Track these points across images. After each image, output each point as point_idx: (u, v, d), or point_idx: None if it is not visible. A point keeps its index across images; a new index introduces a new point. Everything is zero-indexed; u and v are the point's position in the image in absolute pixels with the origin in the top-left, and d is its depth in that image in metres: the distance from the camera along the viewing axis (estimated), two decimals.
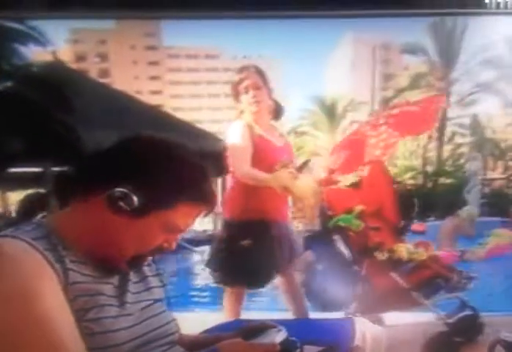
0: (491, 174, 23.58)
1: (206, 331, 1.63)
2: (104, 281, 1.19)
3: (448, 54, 29.28)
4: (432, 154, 29.39)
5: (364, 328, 1.50)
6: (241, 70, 3.12)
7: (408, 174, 28.59)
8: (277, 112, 3.20)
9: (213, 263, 3.11)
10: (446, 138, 29.20)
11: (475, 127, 29.75)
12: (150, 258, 1.36)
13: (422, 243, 3.24)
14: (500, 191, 17.69)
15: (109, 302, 1.16)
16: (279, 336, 1.31)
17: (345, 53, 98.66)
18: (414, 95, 29.67)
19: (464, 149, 29.62)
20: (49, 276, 1.03)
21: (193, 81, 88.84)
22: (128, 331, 1.17)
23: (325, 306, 3.23)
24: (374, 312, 3.23)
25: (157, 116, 11.30)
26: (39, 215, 1.26)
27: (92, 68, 65.29)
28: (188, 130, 10.89)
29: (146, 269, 1.37)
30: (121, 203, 1.10)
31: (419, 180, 28.08)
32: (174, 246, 1.25)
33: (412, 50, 30.78)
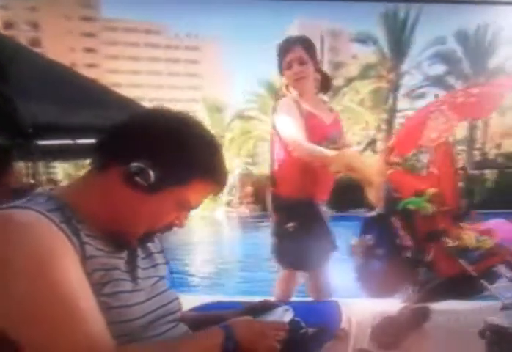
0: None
1: (190, 310, 1.68)
2: (117, 256, 1.20)
3: (399, 46, 29.67)
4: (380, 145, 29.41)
5: (349, 313, 1.53)
6: (285, 42, 2.96)
7: None
8: (324, 85, 3.07)
9: (271, 245, 3.04)
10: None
11: None
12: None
13: (487, 230, 3.06)
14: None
15: (123, 277, 1.18)
16: (287, 316, 1.35)
17: None
18: (364, 85, 30.53)
19: None
20: (68, 248, 1.04)
21: (131, 57, 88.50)
22: (140, 307, 1.19)
23: (379, 293, 3.13)
24: (432, 301, 3.15)
25: (97, 92, 11.05)
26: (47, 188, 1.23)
27: (22, 36, 62.20)
28: (131, 107, 10.74)
29: (151, 245, 1.39)
30: (137, 178, 1.12)
31: None
32: (184, 223, 1.28)
33: (363, 39, 30.99)
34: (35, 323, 0.96)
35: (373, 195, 2.68)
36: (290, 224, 2.85)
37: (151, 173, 1.12)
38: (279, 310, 1.38)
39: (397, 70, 29.76)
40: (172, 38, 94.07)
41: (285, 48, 2.92)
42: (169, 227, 1.27)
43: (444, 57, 29.97)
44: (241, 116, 33.90)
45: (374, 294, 3.14)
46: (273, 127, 2.95)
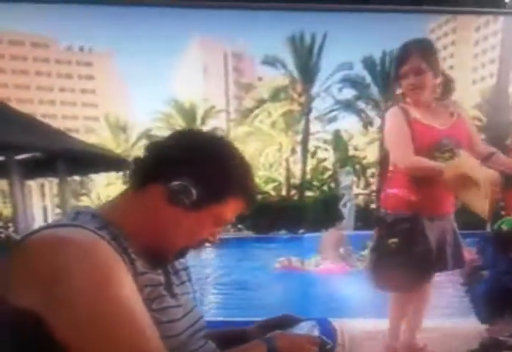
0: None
1: None
2: (158, 272, 1.29)
3: (307, 70, 29.99)
4: (295, 167, 30.22)
5: (341, 329, 1.67)
6: (402, 51, 2.83)
7: (270, 186, 29.19)
8: (446, 89, 2.90)
9: (368, 263, 2.98)
10: (309, 153, 30.13)
11: (337, 143, 31.08)
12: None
13: None
14: (365, 206, 18.97)
15: (165, 293, 1.26)
16: (315, 331, 1.44)
17: (196, 57, 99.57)
18: (276, 108, 30.77)
19: (327, 164, 30.80)
20: (122, 265, 1.09)
21: (20, 71, 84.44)
22: (181, 322, 1.28)
23: (490, 317, 2.92)
24: None
25: None
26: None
27: None
28: (26, 122, 10.16)
29: (176, 262, 1.44)
30: (181, 196, 1.20)
31: (283, 192, 28.66)
32: (217, 239, 1.36)
33: (271, 62, 30.94)
34: (97, 339, 0.99)
35: (486, 208, 2.40)
36: (392, 240, 2.77)
37: (193, 191, 1.20)
38: (306, 325, 1.47)
39: (308, 94, 30.15)
40: (62, 52, 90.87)
41: (402, 57, 2.80)
42: (203, 243, 1.35)
43: (353, 82, 30.66)
44: (149, 136, 33.46)
45: (484, 318, 2.98)
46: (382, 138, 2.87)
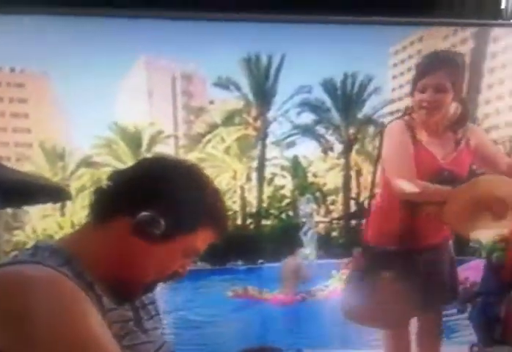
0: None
1: None
2: (126, 308, 1.33)
3: (263, 93, 30.00)
4: (250, 195, 29.93)
5: None
6: (427, 62, 2.74)
7: None
8: (460, 120, 2.78)
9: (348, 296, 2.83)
10: (266, 180, 29.95)
11: (296, 169, 30.97)
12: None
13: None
14: (326, 234, 19.11)
15: (136, 328, 1.30)
16: None
17: (140, 79, 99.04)
18: (229, 133, 30.81)
19: (285, 192, 30.45)
20: (88, 302, 1.11)
21: None
22: None
23: (493, 343, 2.80)
24: None
25: None
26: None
27: None
28: None
29: (143, 297, 1.47)
30: (149, 228, 1.22)
31: (239, 221, 28.21)
32: (186, 271, 1.41)
33: (224, 84, 31.00)
34: None
35: (505, 227, 2.44)
36: (385, 273, 2.70)
37: (162, 222, 1.23)
38: None
39: (264, 118, 30.10)
40: (7, 74, 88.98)
41: (425, 69, 2.67)
42: (172, 276, 1.40)
43: (312, 106, 30.53)
44: (89, 163, 32.92)
45: (489, 344, 2.85)
46: (378, 156, 2.80)
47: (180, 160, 1.38)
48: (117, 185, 1.27)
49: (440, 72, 2.61)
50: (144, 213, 1.20)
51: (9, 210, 32.28)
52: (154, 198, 1.23)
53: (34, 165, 38.73)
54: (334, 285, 9.93)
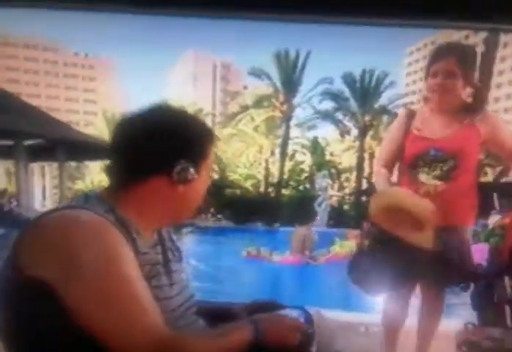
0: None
1: None
2: (156, 251, 1.29)
3: (290, 82, 30.04)
4: (273, 167, 30.09)
5: (319, 318, 1.53)
6: (439, 50, 2.53)
7: (249, 182, 29.36)
8: (472, 106, 2.52)
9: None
10: (288, 155, 30.17)
11: (315, 148, 31.30)
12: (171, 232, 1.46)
13: None
14: (338, 207, 19.00)
15: (162, 271, 1.25)
16: (301, 318, 1.40)
17: (187, 67, 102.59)
18: (259, 114, 31.22)
19: (304, 167, 30.98)
20: (125, 244, 1.10)
21: (30, 70, 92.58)
22: (176, 299, 1.26)
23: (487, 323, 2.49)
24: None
25: (2, 98, 11.06)
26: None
27: None
28: (31, 113, 10.98)
29: (169, 243, 1.41)
30: (184, 176, 1.20)
31: (261, 189, 28.74)
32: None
33: (257, 73, 30.97)
34: (103, 310, 1.02)
35: (425, 239, 2.26)
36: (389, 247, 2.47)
37: (191, 168, 1.21)
38: (290, 312, 1.41)
39: (290, 103, 30.07)
40: (70, 56, 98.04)
41: (437, 55, 2.48)
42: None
43: (333, 95, 30.74)
44: None
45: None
46: None
47: (182, 111, 1.32)
48: (142, 151, 1.20)
49: (450, 59, 2.41)
50: (177, 168, 1.19)
51: (73, 164, 34.77)
52: (176, 152, 1.20)
53: (96, 129, 42.74)
54: (335, 251, 9.91)
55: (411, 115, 2.60)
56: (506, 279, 2.34)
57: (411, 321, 2.76)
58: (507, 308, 2.26)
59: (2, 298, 1.09)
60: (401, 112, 2.70)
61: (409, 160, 2.49)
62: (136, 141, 1.21)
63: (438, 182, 2.42)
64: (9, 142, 11.13)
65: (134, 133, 1.23)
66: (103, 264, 1.02)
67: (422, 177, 2.45)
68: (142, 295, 1.05)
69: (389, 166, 2.61)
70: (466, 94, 2.50)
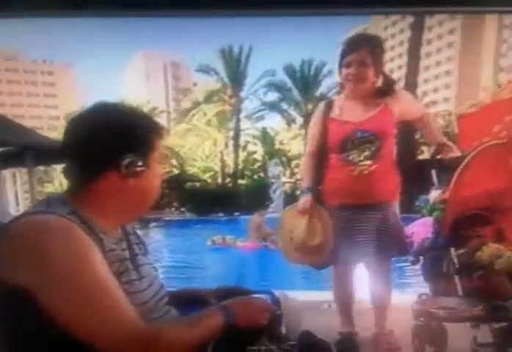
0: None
1: None
2: (122, 247, 1.24)
3: (236, 76, 30.41)
4: (228, 158, 30.24)
5: (284, 300, 1.49)
6: (352, 42, 2.57)
7: (207, 175, 29.23)
8: (384, 90, 2.57)
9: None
10: (241, 146, 30.48)
11: (265, 138, 31.47)
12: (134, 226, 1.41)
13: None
14: (291, 192, 19.06)
15: (130, 266, 1.21)
16: (269, 300, 1.36)
17: (139, 67, 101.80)
18: (210, 108, 31.47)
19: (257, 156, 31.19)
20: (92, 243, 1.06)
21: None
22: (147, 292, 1.21)
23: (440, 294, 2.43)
24: None
25: None
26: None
27: None
28: (4, 124, 10.81)
29: (133, 237, 1.36)
30: (134, 169, 1.16)
31: (219, 180, 28.79)
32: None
33: (205, 70, 31.32)
34: (80, 310, 1.00)
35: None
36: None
37: (139, 162, 1.16)
38: (257, 296, 1.37)
39: (238, 96, 30.48)
40: (29, 63, 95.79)
41: (351, 47, 2.52)
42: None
43: (277, 87, 31.19)
44: None
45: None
46: None
47: (126, 107, 1.28)
48: (90, 146, 1.15)
49: (362, 50, 2.47)
50: (125, 161, 1.14)
51: (41, 168, 34.12)
52: (121, 145, 1.15)
53: (60, 133, 41.14)
54: None
55: (329, 105, 2.65)
56: (452, 250, 2.30)
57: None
58: (456, 278, 2.22)
59: None
60: (319, 105, 2.75)
61: (338, 145, 2.52)
62: (83, 140, 1.17)
63: (369, 162, 2.48)
64: None
65: (80, 132, 1.19)
66: (74, 265, 1.00)
67: (355, 158, 2.49)
68: (114, 291, 1.03)
69: (315, 156, 2.66)
70: (376, 80, 2.55)
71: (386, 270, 2.74)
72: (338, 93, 2.76)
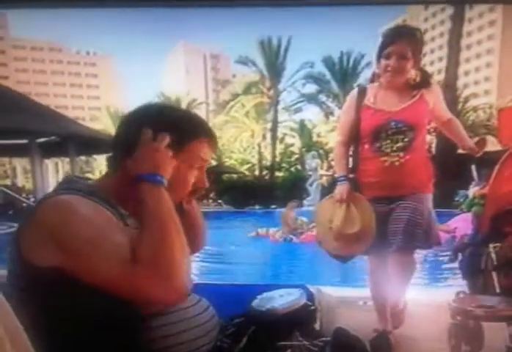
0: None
1: None
2: None
3: (275, 68, 30.45)
4: (266, 151, 30.33)
5: (318, 295, 1.50)
6: (392, 32, 2.54)
7: (245, 167, 29.42)
8: (419, 83, 2.55)
9: None
10: (278, 138, 30.52)
11: (302, 130, 31.39)
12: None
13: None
14: (328, 185, 18.96)
15: None
16: (304, 296, 1.38)
17: (179, 59, 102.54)
18: (248, 100, 31.63)
19: (294, 149, 31.09)
20: (113, 217, 1.09)
21: (38, 70, 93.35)
22: None
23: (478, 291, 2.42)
24: None
25: (14, 99, 11.10)
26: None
27: None
28: (45, 113, 10.99)
29: None
30: None
31: (257, 172, 28.94)
32: (206, 183, 1.30)
33: (244, 61, 31.58)
34: (87, 258, 1.00)
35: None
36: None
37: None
38: (293, 290, 1.40)
39: (276, 88, 30.48)
40: (72, 55, 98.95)
41: (391, 38, 2.48)
42: (196, 191, 1.30)
43: (315, 79, 31.20)
44: None
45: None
46: None
47: (166, 107, 1.30)
48: (118, 136, 1.21)
49: (403, 42, 2.43)
50: None
51: (83, 158, 35.07)
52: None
53: (102, 124, 43.44)
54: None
55: (362, 92, 2.61)
56: (490, 247, 2.31)
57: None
58: (494, 275, 2.23)
59: (23, 295, 1.04)
60: (352, 91, 2.71)
61: (370, 134, 2.50)
62: (116, 132, 1.22)
63: (401, 154, 2.45)
64: (24, 141, 11.11)
65: (126, 127, 1.22)
66: (93, 236, 1.01)
67: (387, 149, 2.47)
68: (116, 239, 1.03)
69: (347, 145, 2.64)
70: (413, 72, 2.52)
71: (410, 263, 2.67)
72: (371, 81, 2.69)
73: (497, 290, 2.16)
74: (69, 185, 1.16)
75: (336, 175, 2.73)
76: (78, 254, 1.00)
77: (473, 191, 2.52)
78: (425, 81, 2.57)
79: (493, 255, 2.25)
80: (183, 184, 1.25)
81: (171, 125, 1.18)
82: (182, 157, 1.19)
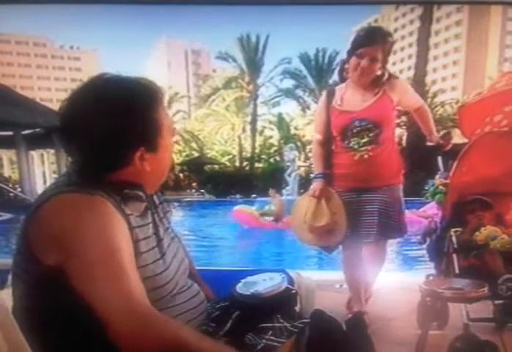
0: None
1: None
2: (148, 221, 1.19)
3: (254, 64, 30.58)
4: (246, 143, 30.37)
5: (299, 279, 1.48)
6: (369, 35, 2.52)
7: (226, 158, 29.25)
8: (382, 79, 2.55)
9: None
10: (258, 131, 30.71)
11: (280, 123, 31.32)
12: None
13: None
14: (306, 176, 19.06)
15: (154, 243, 1.17)
16: (285, 281, 1.32)
17: (161, 54, 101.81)
18: (229, 94, 31.65)
19: (273, 141, 31.13)
20: (121, 220, 1.05)
21: (23, 64, 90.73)
22: (170, 268, 1.18)
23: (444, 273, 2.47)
24: None
25: (0, 91, 10.94)
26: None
27: None
28: (30, 105, 10.87)
29: (155, 197, 1.32)
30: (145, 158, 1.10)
31: (237, 163, 28.88)
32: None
33: (224, 57, 31.70)
34: (92, 274, 0.95)
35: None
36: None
37: (150, 151, 1.10)
38: (274, 275, 1.36)
39: (255, 83, 30.67)
40: (57, 49, 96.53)
41: (366, 39, 2.49)
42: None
43: (292, 74, 31.41)
44: None
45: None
46: None
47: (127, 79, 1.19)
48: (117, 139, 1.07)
49: (376, 45, 2.45)
50: (142, 148, 1.09)
51: None
52: (138, 128, 1.08)
53: None
54: None
55: (331, 94, 2.65)
56: (452, 231, 2.38)
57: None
58: (454, 257, 2.29)
59: (27, 289, 1.03)
60: (323, 93, 2.75)
61: (339, 133, 2.56)
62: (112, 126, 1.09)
63: (369, 147, 2.50)
64: (9, 133, 11.02)
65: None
66: (97, 234, 0.98)
67: (354, 145, 2.52)
68: (128, 265, 0.98)
69: (323, 143, 2.68)
70: (379, 72, 2.54)
71: (382, 252, 2.78)
72: (339, 76, 2.72)
73: (456, 271, 2.23)
74: (70, 178, 1.11)
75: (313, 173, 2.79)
76: (83, 274, 0.95)
77: (437, 180, 2.58)
78: (386, 78, 2.58)
79: (454, 239, 2.33)
80: (172, 147, 1.25)
81: (143, 115, 1.11)
82: (163, 135, 1.15)
